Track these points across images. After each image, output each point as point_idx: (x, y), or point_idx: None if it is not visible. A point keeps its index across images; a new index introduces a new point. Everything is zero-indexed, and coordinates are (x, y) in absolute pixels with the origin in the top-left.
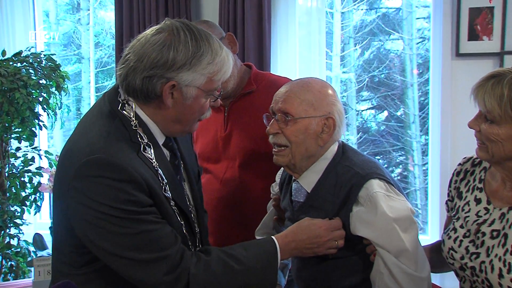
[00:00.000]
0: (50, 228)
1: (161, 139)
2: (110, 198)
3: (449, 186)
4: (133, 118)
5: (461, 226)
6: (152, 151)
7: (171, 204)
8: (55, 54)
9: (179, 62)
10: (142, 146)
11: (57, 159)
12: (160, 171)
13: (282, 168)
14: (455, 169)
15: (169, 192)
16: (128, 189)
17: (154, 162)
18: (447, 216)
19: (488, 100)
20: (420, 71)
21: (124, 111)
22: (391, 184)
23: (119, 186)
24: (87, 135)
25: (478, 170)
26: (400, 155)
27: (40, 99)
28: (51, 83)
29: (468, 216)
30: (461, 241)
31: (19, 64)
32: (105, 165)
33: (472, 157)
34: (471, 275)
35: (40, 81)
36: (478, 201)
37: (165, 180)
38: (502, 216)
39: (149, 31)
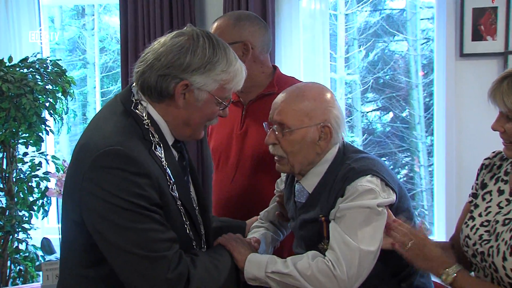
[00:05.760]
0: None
1: (171, 140)
2: (122, 190)
3: (476, 179)
4: (145, 117)
5: (480, 215)
6: (162, 150)
7: (178, 203)
8: (61, 60)
9: (194, 65)
10: (153, 144)
11: (64, 164)
12: (168, 170)
13: None
14: (483, 163)
15: (176, 191)
16: (142, 184)
17: (163, 161)
18: (465, 205)
19: (507, 99)
20: (425, 72)
21: (137, 110)
22: (384, 182)
23: (133, 179)
24: (102, 130)
25: (505, 164)
26: (406, 156)
27: (47, 104)
28: (57, 88)
29: (490, 207)
30: (477, 229)
31: (25, 70)
32: (122, 157)
33: (501, 151)
34: (481, 260)
35: (47, 87)
36: (501, 192)
37: (173, 180)
38: None
39: (170, 34)
